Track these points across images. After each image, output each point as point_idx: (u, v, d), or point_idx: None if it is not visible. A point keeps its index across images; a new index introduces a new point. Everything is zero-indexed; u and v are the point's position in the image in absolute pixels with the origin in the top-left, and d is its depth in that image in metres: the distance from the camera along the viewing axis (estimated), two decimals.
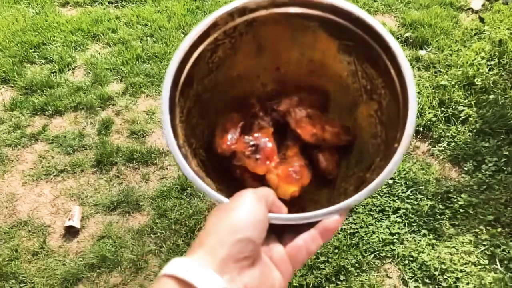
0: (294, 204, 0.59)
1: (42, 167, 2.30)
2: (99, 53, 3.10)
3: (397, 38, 3.13)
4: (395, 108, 0.52)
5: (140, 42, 3.18)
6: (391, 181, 2.10)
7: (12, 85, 2.81)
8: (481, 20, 2.61)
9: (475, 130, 2.33)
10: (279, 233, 0.45)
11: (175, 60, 0.54)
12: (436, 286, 1.75)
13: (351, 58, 0.59)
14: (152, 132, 2.49)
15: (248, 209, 0.40)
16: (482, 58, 2.78)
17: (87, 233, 2.01)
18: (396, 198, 2.05)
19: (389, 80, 0.53)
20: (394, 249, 1.87)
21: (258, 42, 0.62)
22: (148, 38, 3.21)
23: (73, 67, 2.97)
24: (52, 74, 2.88)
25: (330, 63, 0.63)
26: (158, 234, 1.98)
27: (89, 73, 2.92)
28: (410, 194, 2.06)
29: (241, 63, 0.63)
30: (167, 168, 2.28)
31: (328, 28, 0.58)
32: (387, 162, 0.48)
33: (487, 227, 1.91)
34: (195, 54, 0.56)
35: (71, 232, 2.01)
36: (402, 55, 0.51)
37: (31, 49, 3.10)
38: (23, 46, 3.10)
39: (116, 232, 1.99)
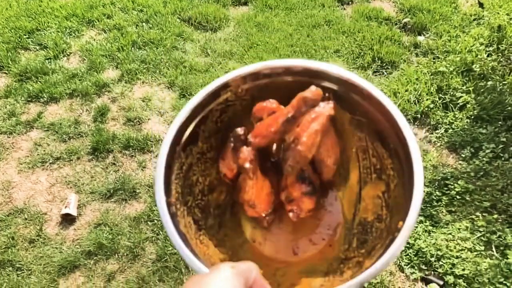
0: (286, 276, 0.57)
1: (38, 154, 2.29)
2: (94, 39, 3.06)
3: (395, 24, 3.10)
4: (401, 193, 0.51)
5: (136, 28, 3.14)
6: None
7: (6, 72, 2.78)
8: (480, 5, 2.58)
9: (472, 117, 2.32)
10: None
11: (181, 116, 0.54)
12: (432, 272, 1.76)
13: (363, 134, 0.58)
14: (148, 119, 2.47)
15: None
16: (481, 44, 2.76)
17: (84, 221, 2.00)
18: None
19: (398, 162, 0.52)
20: None
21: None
22: (144, 24, 3.18)
23: (68, 53, 2.94)
24: (46, 61, 2.85)
25: (342, 134, 0.61)
26: (155, 221, 1.97)
27: (84, 59, 2.89)
28: None
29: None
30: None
31: (341, 101, 0.57)
32: (385, 251, 0.47)
33: (484, 214, 1.92)
34: (203, 113, 0.56)
35: (67, 220, 2.00)
36: (413, 140, 0.50)
37: (25, 35, 3.06)
38: (17, 32, 3.06)
39: (113, 220, 1.99)
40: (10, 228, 1.98)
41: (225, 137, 0.60)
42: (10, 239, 1.93)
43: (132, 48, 2.95)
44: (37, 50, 2.96)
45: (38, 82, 2.68)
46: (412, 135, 0.50)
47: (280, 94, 0.59)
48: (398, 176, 0.53)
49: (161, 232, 1.93)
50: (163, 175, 0.51)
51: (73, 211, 1.99)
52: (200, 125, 0.56)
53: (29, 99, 2.59)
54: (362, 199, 0.61)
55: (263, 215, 0.60)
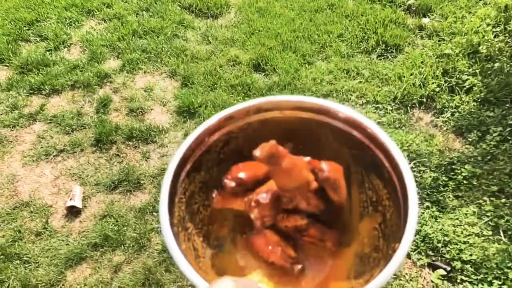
0: None
1: (41, 147, 2.28)
2: (94, 29, 3.03)
3: (400, 6, 3.04)
4: (397, 220, 0.52)
5: (136, 16, 3.11)
6: None
7: (8, 64, 2.77)
8: None
9: (479, 100, 2.29)
10: None
11: (188, 142, 0.56)
12: (439, 258, 1.74)
13: (359, 168, 0.61)
14: (151, 109, 2.46)
15: None
16: (488, 24, 2.70)
17: (89, 213, 2.01)
18: None
19: (392, 190, 0.54)
20: None
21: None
22: (144, 12, 3.14)
23: (69, 44, 2.92)
24: (47, 52, 2.83)
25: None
26: None
27: (85, 50, 2.86)
28: (413, 166, 2.03)
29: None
30: (167, 146, 2.25)
31: (337, 136, 0.61)
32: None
33: (491, 198, 1.89)
34: (208, 142, 0.59)
35: (73, 212, 2.01)
36: (404, 163, 0.53)
37: (25, 26, 3.03)
38: (17, 24, 3.03)
39: (118, 211, 1.99)
40: (16, 221, 1.98)
41: (226, 169, 0.62)
42: (17, 232, 1.94)
43: (133, 37, 2.92)
44: (37, 41, 2.94)
45: (40, 74, 2.67)
46: (403, 158, 0.53)
47: (281, 128, 0.62)
48: (394, 204, 0.55)
49: None
50: (168, 195, 0.52)
51: (78, 203, 1.99)
52: (204, 154, 0.59)
53: (31, 91, 2.58)
54: (358, 232, 0.62)
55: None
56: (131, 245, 1.87)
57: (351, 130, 0.59)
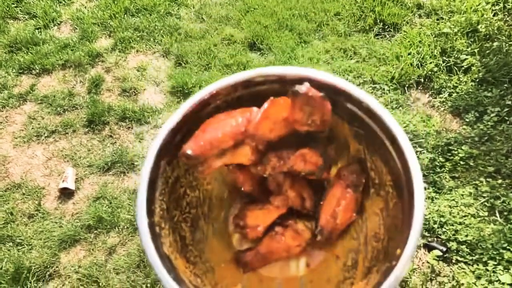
0: None
1: (32, 128, 2.24)
2: (85, 7, 2.95)
3: None
4: (399, 214, 0.48)
5: None
6: None
7: None
8: None
9: (477, 80, 2.26)
10: None
11: (166, 128, 0.50)
12: (435, 239, 1.74)
13: (360, 146, 0.56)
14: (144, 89, 2.41)
15: None
16: (487, 2, 2.65)
17: (82, 195, 1.98)
18: None
19: (398, 181, 0.49)
20: None
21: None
22: None
23: (59, 22, 2.84)
24: (36, 31, 2.75)
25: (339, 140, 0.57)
26: None
27: (76, 28, 2.79)
28: None
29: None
30: (160, 127, 2.21)
31: (338, 111, 0.53)
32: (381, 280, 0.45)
33: (488, 179, 1.88)
34: (190, 123, 0.51)
35: (66, 194, 1.98)
36: (415, 162, 0.46)
37: (13, 3, 2.94)
38: (4, 1, 2.94)
39: (112, 193, 1.96)
40: (8, 203, 1.95)
41: None
42: (9, 215, 1.91)
43: (125, 15, 2.85)
44: (26, 19, 2.86)
45: (29, 53, 2.60)
46: (416, 162, 0.46)
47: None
48: (397, 195, 0.50)
49: None
50: (146, 194, 0.47)
51: (71, 185, 1.96)
52: (186, 134, 0.51)
53: (20, 71, 2.52)
54: (365, 210, 0.58)
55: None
56: (125, 227, 1.85)
57: (355, 109, 0.52)
